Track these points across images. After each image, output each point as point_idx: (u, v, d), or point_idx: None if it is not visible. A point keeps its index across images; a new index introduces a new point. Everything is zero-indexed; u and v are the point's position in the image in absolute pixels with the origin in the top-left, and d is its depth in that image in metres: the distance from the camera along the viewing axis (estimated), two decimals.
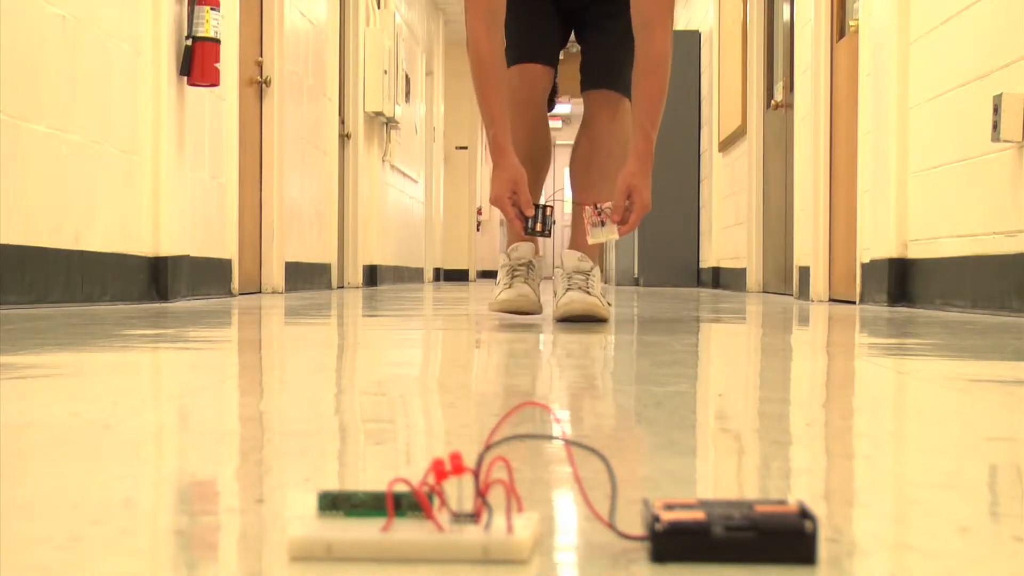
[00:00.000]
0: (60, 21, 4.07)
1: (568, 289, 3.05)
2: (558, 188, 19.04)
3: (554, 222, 3.00)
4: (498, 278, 3.23)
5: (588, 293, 3.03)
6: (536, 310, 3.18)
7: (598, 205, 2.93)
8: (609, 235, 2.90)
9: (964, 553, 0.64)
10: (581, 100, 3.36)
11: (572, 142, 3.45)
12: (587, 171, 3.20)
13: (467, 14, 2.98)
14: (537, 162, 3.22)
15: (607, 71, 3.20)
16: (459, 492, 0.73)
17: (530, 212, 2.93)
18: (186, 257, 5.20)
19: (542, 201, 3.08)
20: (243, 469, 0.92)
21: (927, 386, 1.62)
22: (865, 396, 1.58)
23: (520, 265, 3.17)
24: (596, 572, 0.59)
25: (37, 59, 3.90)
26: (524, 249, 3.19)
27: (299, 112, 7.68)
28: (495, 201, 2.96)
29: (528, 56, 3.20)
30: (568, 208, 3.25)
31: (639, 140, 2.92)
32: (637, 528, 0.65)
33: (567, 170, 3.39)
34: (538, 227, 2.95)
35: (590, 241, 2.98)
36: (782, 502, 0.63)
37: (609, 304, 3.16)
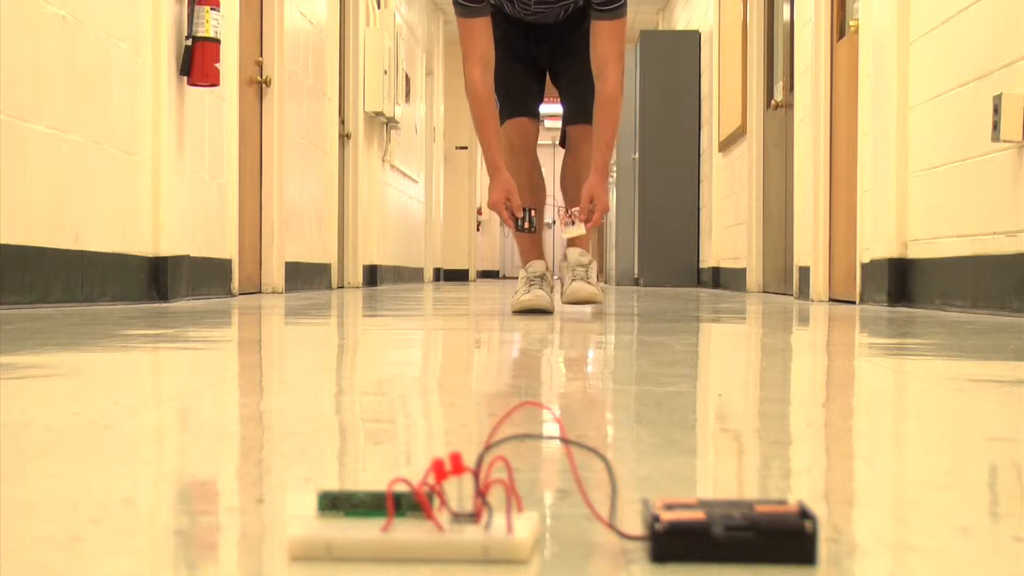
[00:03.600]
0: (60, 21, 4.07)
1: (573, 280, 3.91)
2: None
3: (538, 221, 3.88)
4: (518, 286, 3.98)
5: (588, 282, 3.88)
6: (550, 308, 3.88)
7: (569, 210, 3.79)
8: (578, 231, 3.77)
9: (964, 553, 0.64)
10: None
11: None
12: (575, 185, 3.92)
13: (465, 62, 3.74)
14: (536, 194, 4.00)
15: (582, 110, 3.93)
16: (459, 492, 0.73)
17: (519, 214, 3.74)
18: (186, 257, 5.20)
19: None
20: (243, 469, 0.92)
21: (927, 386, 1.62)
22: (865, 396, 1.58)
23: (536, 277, 3.91)
24: (596, 572, 0.59)
25: (37, 59, 3.90)
26: (538, 265, 3.93)
27: (299, 112, 7.68)
28: (493, 206, 3.77)
29: (518, 112, 3.98)
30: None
31: (598, 159, 3.76)
32: (637, 528, 0.65)
33: (559, 184, 4.16)
34: (526, 225, 3.77)
35: (564, 236, 3.86)
36: (782, 502, 0.63)
37: (602, 290, 4.07)
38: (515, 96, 3.97)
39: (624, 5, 3.74)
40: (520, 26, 3.97)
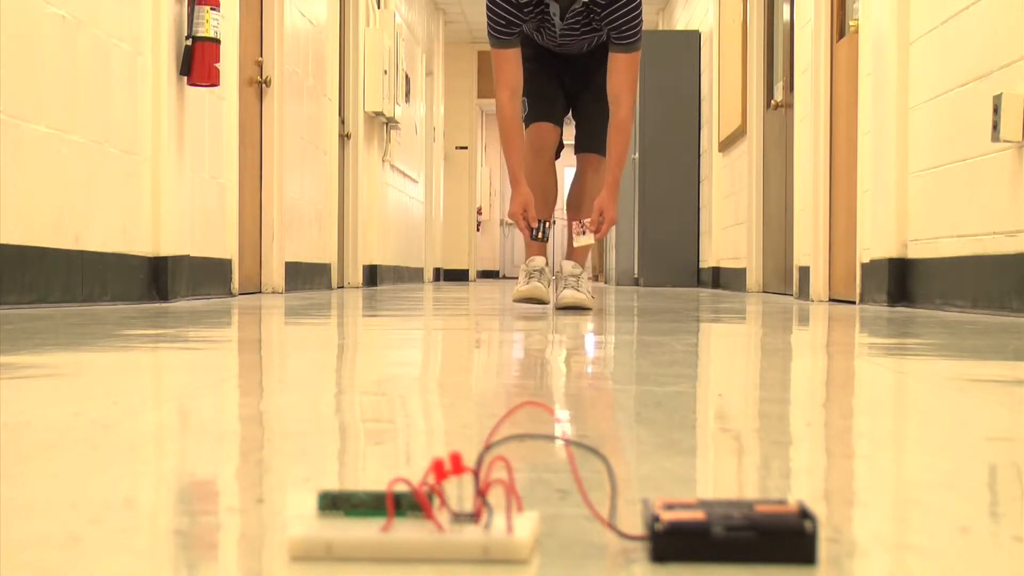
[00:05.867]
0: (60, 21, 4.07)
1: (565, 287, 4.35)
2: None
3: (550, 231, 4.35)
4: (519, 279, 4.44)
5: (577, 290, 4.32)
6: (547, 299, 4.37)
7: (581, 221, 4.27)
8: (588, 241, 4.26)
9: (964, 553, 0.64)
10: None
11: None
12: (579, 206, 4.47)
13: (496, 88, 4.24)
14: (547, 192, 4.45)
15: (592, 141, 4.46)
16: (459, 492, 0.73)
17: (535, 224, 4.21)
18: (186, 257, 5.20)
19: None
20: (243, 469, 0.92)
21: (927, 386, 1.62)
22: (865, 396, 1.58)
23: (535, 270, 4.35)
24: (596, 572, 0.59)
25: (37, 59, 3.90)
26: (539, 260, 4.36)
27: (299, 112, 7.68)
28: (512, 216, 4.23)
29: (543, 117, 4.44)
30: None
31: (609, 176, 4.23)
32: (637, 528, 0.65)
33: (566, 203, 4.69)
34: (540, 235, 4.25)
35: (576, 245, 4.32)
36: (782, 502, 0.63)
37: (593, 297, 4.49)
38: (543, 104, 4.45)
39: (639, 40, 4.21)
40: (551, 52, 4.46)
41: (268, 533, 0.68)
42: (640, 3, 4.18)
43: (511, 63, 4.20)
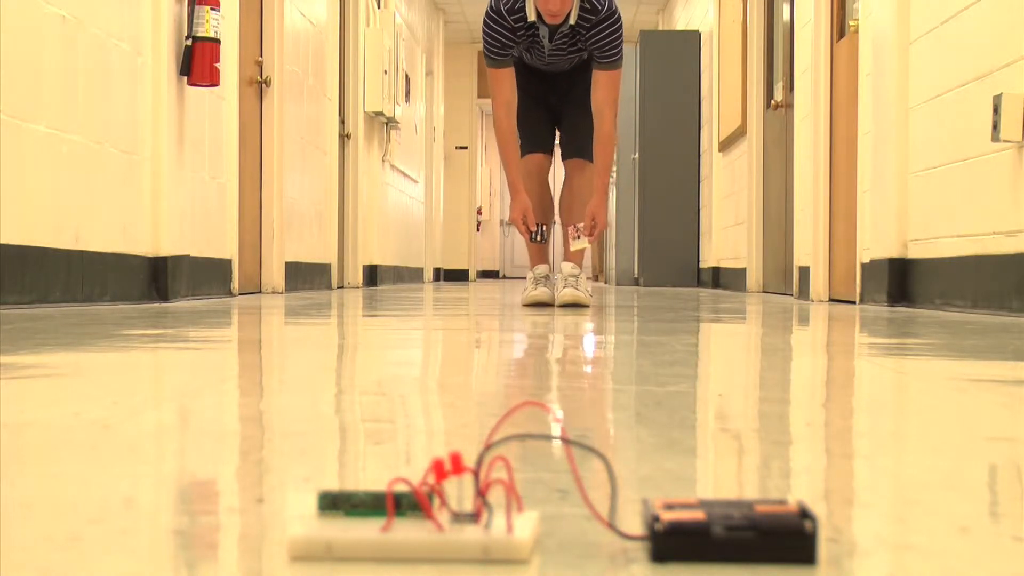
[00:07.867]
0: (60, 21, 4.06)
1: (565, 287, 4.80)
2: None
3: (549, 234, 4.88)
4: (526, 284, 4.97)
5: (576, 289, 4.76)
6: (552, 302, 4.84)
7: (576, 226, 4.78)
8: (582, 245, 4.76)
9: (964, 553, 0.64)
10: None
11: None
12: (570, 209, 4.95)
13: (493, 103, 4.76)
14: (545, 204, 4.96)
15: (579, 147, 4.96)
16: (459, 492, 0.73)
17: (533, 228, 4.73)
18: (186, 257, 5.20)
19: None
20: (243, 469, 0.92)
21: (927, 386, 1.62)
22: (865, 396, 1.58)
23: (541, 277, 4.88)
24: (596, 572, 0.59)
25: (37, 59, 3.90)
26: (543, 268, 4.90)
27: (299, 112, 7.68)
28: (513, 221, 4.79)
29: (535, 149, 4.99)
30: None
31: (598, 182, 4.79)
32: (637, 528, 0.65)
33: (557, 207, 5.18)
34: (539, 237, 4.77)
35: (572, 249, 4.83)
36: (782, 502, 0.63)
37: (591, 295, 4.96)
38: (534, 136, 4.99)
39: (621, 58, 4.70)
40: (537, 75, 4.96)
41: (268, 533, 0.68)
42: (621, 25, 4.65)
43: (506, 81, 4.73)
